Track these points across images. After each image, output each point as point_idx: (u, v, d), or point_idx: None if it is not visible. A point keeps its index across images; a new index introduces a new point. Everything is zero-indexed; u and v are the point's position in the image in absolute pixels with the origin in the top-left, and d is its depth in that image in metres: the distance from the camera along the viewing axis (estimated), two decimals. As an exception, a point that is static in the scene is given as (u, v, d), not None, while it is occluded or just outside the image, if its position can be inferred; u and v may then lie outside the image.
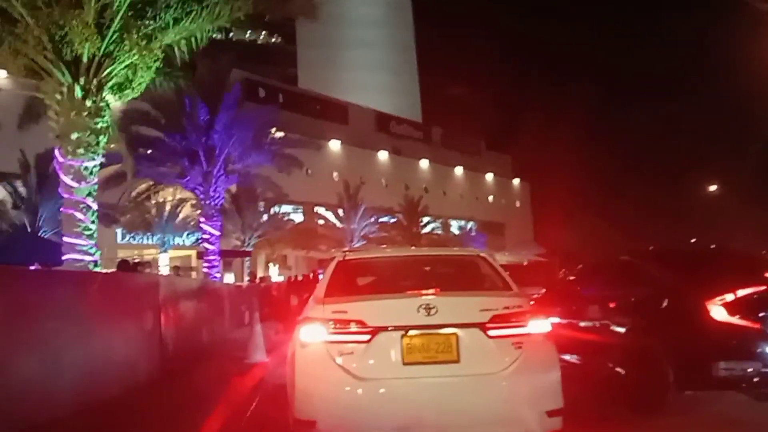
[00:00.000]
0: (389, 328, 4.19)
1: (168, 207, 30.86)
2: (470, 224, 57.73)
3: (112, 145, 11.46)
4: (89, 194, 8.28)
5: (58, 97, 7.97)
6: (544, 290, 8.07)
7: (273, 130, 20.63)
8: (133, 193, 18.97)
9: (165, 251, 32.51)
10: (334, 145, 50.36)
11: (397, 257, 5.89)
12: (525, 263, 34.10)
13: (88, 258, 8.17)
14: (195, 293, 9.27)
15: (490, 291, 4.80)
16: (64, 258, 8.20)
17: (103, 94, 8.19)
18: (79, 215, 8.11)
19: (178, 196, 27.74)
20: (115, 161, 12.27)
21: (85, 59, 7.85)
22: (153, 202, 23.15)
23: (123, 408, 5.45)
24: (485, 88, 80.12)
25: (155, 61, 8.16)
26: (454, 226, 56.33)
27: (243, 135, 17.37)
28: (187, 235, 32.40)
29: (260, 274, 36.38)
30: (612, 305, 6.37)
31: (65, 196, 8.30)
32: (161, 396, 6.31)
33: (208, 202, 17.69)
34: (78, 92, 7.95)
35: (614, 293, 6.43)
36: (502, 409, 4.17)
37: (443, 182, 59.73)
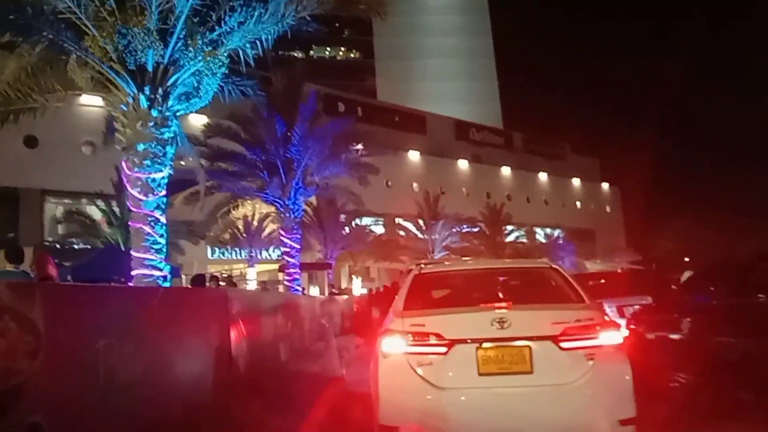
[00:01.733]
0: (465, 341, 4.42)
1: (255, 221, 31.55)
2: (557, 232, 55.58)
3: (190, 158, 11.59)
4: (157, 207, 8.13)
5: (124, 107, 7.90)
6: (649, 299, 7.13)
7: (355, 144, 20.54)
8: (212, 208, 19.19)
9: (252, 266, 33.17)
10: (413, 156, 50.02)
11: (471, 270, 6.06)
12: (618, 270, 32.13)
13: (157, 273, 8.00)
14: (270, 307, 8.91)
15: (562, 303, 4.89)
16: (133, 273, 8.08)
17: (169, 103, 8.06)
18: (146, 229, 7.97)
19: (259, 211, 28.19)
20: (189, 177, 12.31)
21: (149, 68, 7.74)
22: (231, 216, 23.48)
23: (185, 429, 5.08)
24: (568, 90, 77.48)
25: (220, 67, 7.98)
26: (540, 234, 54.40)
27: (319, 146, 17.26)
28: (274, 249, 32.94)
29: (344, 286, 36.42)
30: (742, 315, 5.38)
31: (133, 209, 8.19)
32: (227, 416, 5.94)
33: (287, 215, 17.66)
34: (143, 102, 7.85)
35: (741, 301, 5.45)
36: (575, 418, 4.32)
37: (527, 189, 57.94)
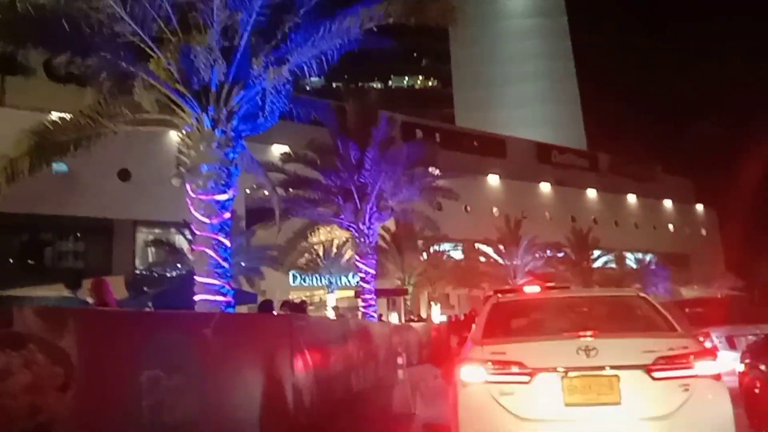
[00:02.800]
0: (549, 370, 4.22)
1: (334, 248, 31.67)
2: (648, 257, 52.59)
3: (261, 184, 11.51)
4: (221, 230, 7.95)
5: (188, 128, 7.82)
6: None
7: (429, 169, 20.22)
8: (291, 235, 19.23)
9: (332, 292, 33.20)
10: (493, 180, 49.05)
11: (552, 298, 5.78)
12: (719, 296, 29.73)
13: (220, 298, 7.77)
14: (341, 334, 8.49)
15: (652, 332, 4.64)
16: (196, 299, 7.89)
17: (233, 124, 7.92)
18: (210, 252, 7.79)
19: (334, 237, 28.25)
20: (268, 205, 12.29)
21: (213, 87, 7.65)
22: (309, 242, 23.56)
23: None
24: (655, 109, 74.03)
25: (285, 85, 7.78)
26: (631, 259, 51.66)
27: (393, 170, 16.99)
28: (353, 275, 32.89)
29: (422, 313, 35.77)
30: None
31: (197, 232, 8.05)
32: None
33: (362, 239, 17.41)
34: (207, 122, 7.75)
35: None
36: None
37: (614, 212, 55.38)
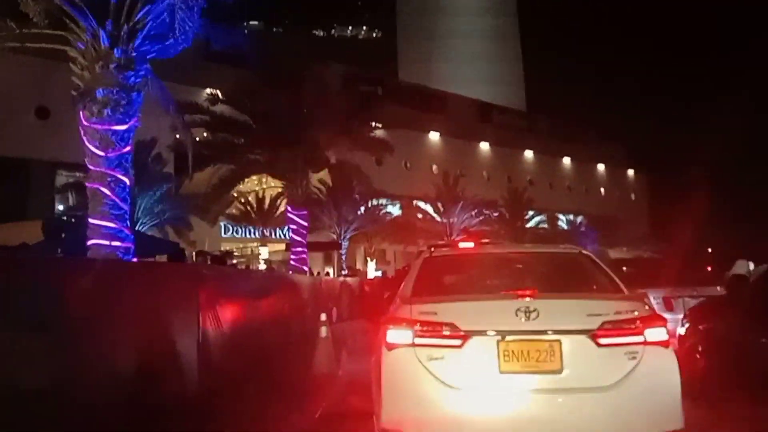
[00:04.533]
0: (484, 333, 3.86)
1: (267, 198, 30.66)
2: (579, 218, 54.00)
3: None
4: (119, 165, 7.00)
5: (81, 46, 6.75)
6: (714, 289, 5.95)
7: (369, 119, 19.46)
8: (217, 182, 18.14)
9: (265, 245, 32.33)
10: (434, 137, 48.69)
11: (490, 254, 5.44)
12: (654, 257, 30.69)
13: (117, 243, 6.88)
14: (262, 288, 7.78)
15: (598, 293, 4.33)
16: (89, 243, 6.97)
17: (136, 43, 6.90)
18: (105, 190, 6.85)
19: (268, 187, 27.28)
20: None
21: (113, -1, 6.59)
22: (239, 191, 22.53)
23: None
24: (595, 75, 75.18)
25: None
26: (562, 221, 52.93)
27: (330, 118, 16.11)
28: (287, 228, 32.04)
29: (358, 268, 35.47)
30: None
31: (90, 167, 7.07)
32: (192, 411, 4.88)
33: (295, 190, 16.61)
34: (104, 40, 6.70)
35: None
36: (611, 428, 3.78)
37: (550, 174, 56.38)
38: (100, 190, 6.88)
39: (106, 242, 6.82)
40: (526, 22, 77.66)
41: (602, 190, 61.62)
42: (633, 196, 64.49)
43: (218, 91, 17.86)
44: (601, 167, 61.70)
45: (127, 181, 7.16)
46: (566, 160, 58.72)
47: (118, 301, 4.54)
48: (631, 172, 65.08)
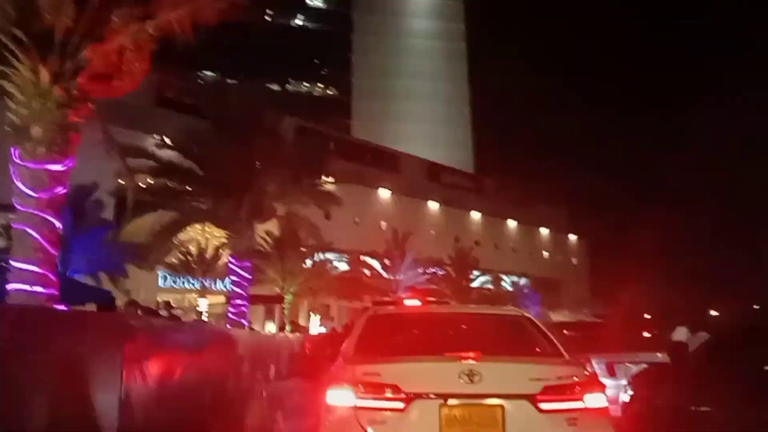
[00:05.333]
0: (427, 396, 3.80)
1: (209, 248, 29.87)
2: (523, 280, 54.90)
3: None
4: (49, 206, 6.60)
5: (19, 82, 6.43)
6: (659, 357, 5.95)
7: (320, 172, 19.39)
8: (159, 230, 17.53)
9: (204, 296, 31.32)
10: (384, 194, 49.09)
11: (434, 313, 5.47)
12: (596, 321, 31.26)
13: (40, 290, 6.41)
14: (197, 342, 7.37)
15: (540, 357, 4.37)
16: (9, 288, 6.48)
17: (80, 81, 6.63)
18: (33, 232, 6.41)
19: (212, 236, 26.66)
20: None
21: (58, 34, 6.34)
22: (180, 240, 21.85)
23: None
24: (541, 143, 78.10)
25: (149, 42, 6.60)
26: (507, 282, 53.67)
27: (280, 168, 15.97)
28: (230, 280, 31.20)
29: (301, 324, 34.65)
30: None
31: (18, 207, 6.63)
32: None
33: (239, 240, 16.19)
34: (45, 76, 6.41)
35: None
36: None
37: (495, 235, 57.47)
38: (27, 232, 6.44)
39: (29, 287, 6.33)
40: (477, 87, 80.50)
41: (545, 253, 63.06)
42: (575, 261, 66.16)
43: (165, 138, 17.53)
44: (544, 231, 63.33)
45: (58, 224, 6.75)
46: (512, 223, 60.08)
47: (33, 350, 4.16)
48: (573, 237, 66.98)
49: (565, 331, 9.90)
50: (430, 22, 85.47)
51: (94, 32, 6.51)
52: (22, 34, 6.21)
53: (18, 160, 6.56)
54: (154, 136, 18.91)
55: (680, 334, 7.89)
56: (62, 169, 6.67)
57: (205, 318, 26.43)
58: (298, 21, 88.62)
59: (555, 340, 4.46)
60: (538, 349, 4.47)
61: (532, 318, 4.90)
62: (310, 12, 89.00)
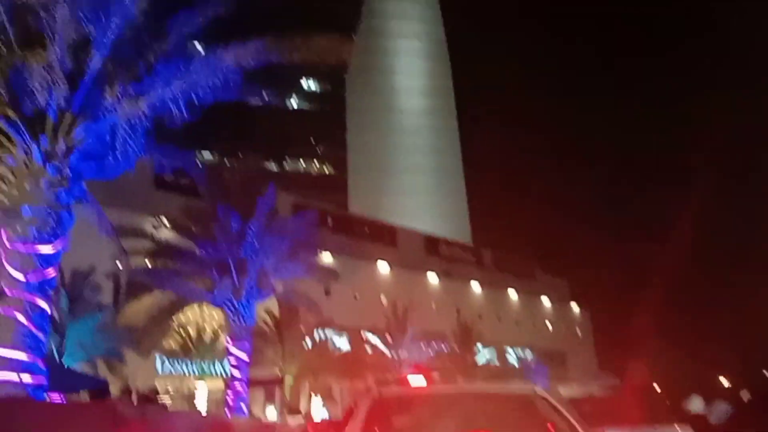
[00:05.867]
0: None
1: (209, 330, 29.22)
2: (527, 351, 53.72)
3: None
4: (40, 290, 6.33)
5: (11, 161, 6.32)
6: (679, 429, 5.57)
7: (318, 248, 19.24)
8: (156, 312, 17.15)
9: (203, 381, 30.37)
10: (383, 268, 48.75)
11: (440, 394, 5.19)
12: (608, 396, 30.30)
13: (27, 378, 6.03)
14: (186, 430, 6.94)
15: None
16: (-6, 376, 6.10)
17: (71, 160, 6.52)
18: (21, 317, 6.11)
19: (211, 318, 26.11)
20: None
21: (50, 114, 6.29)
22: (178, 323, 21.36)
23: None
24: (537, 211, 78.70)
25: (141, 119, 6.54)
26: (511, 354, 52.45)
27: (277, 245, 15.80)
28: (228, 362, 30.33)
29: (302, 406, 33.40)
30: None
31: (6, 291, 6.36)
32: None
33: (237, 320, 15.78)
34: (37, 156, 6.30)
35: None
36: None
37: (497, 307, 56.71)
38: (15, 317, 6.14)
39: (15, 376, 5.96)
40: (471, 161, 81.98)
41: (549, 324, 62.03)
42: (578, 331, 65.06)
43: (164, 218, 17.49)
44: (546, 301, 62.56)
45: (48, 309, 6.46)
46: (512, 294, 59.42)
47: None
48: (575, 306, 66.15)
49: (580, 407, 9.45)
50: (421, 100, 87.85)
51: (87, 111, 6.45)
52: (15, 114, 6.15)
53: (7, 242, 6.35)
54: (153, 216, 18.87)
55: (696, 404, 7.51)
56: (53, 251, 6.45)
57: (203, 405, 25.44)
58: (294, 103, 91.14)
59: (571, 419, 4.25)
60: (553, 429, 4.25)
61: (545, 395, 4.65)
62: (306, 94, 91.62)
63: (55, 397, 8.37)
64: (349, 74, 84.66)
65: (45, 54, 6.02)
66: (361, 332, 39.75)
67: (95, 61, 6.35)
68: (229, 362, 16.55)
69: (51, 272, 6.44)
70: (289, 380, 29.85)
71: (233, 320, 15.87)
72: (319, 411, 31.38)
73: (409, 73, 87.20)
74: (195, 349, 29.90)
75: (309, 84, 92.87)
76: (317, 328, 31.78)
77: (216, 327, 28.63)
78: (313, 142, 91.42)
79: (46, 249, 6.34)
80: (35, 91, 6.09)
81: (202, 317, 27.64)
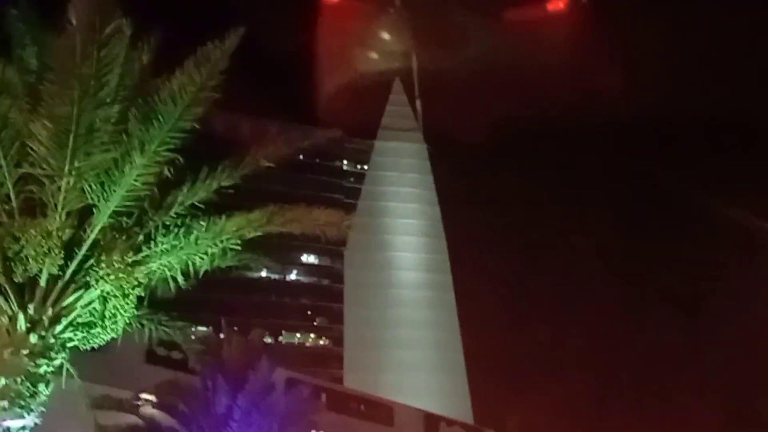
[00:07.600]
0: None
1: None
2: None
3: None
4: (10, 470, 5.72)
5: (-7, 328, 6.05)
6: None
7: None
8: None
9: None
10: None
11: None
12: None
13: None
14: None
15: None
16: None
17: (57, 330, 6.24)
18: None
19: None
20: None
21: (42, 282, 6.12)
22: None
23: None
24: (540, 389, 75.84)
25: (135, 288, 6.35)
26: None
27: (267, 425, 14.88)
28: None
29: None
30: None
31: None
32: None
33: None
34: (22, 323, 6.01)
35: None
36: None
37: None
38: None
39: None
40: (468, 334, 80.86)
41: None
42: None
43: (148, 395, 16.73)
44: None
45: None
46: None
47: None
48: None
49: None
50: (418, 274, 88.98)
51: (79, 279, 6.34)
52: (4, 280, 6.03)
53: (-26, 418, 5.88)
54: (138, 392, 18.02)
55: None
56: (26, 426, 5.95)
57: None
58: (293, 276, 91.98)
59: None
60: None
61: None
62: (304, 267, 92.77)
63: None
64: (347, 249, 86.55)
65: (45, 222, 6.05)
66: None
67: (94, 231, 6.38)
68: None
69: (22, 450, 5.89)
70: None
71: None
72: None
73: (406, 248, 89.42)
74: None
75: (309, 258, 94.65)
76: None
77: None
78: (310, 314, 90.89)
79: (15, 423, 5.84)
80: (29, 258, 6.01)
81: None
